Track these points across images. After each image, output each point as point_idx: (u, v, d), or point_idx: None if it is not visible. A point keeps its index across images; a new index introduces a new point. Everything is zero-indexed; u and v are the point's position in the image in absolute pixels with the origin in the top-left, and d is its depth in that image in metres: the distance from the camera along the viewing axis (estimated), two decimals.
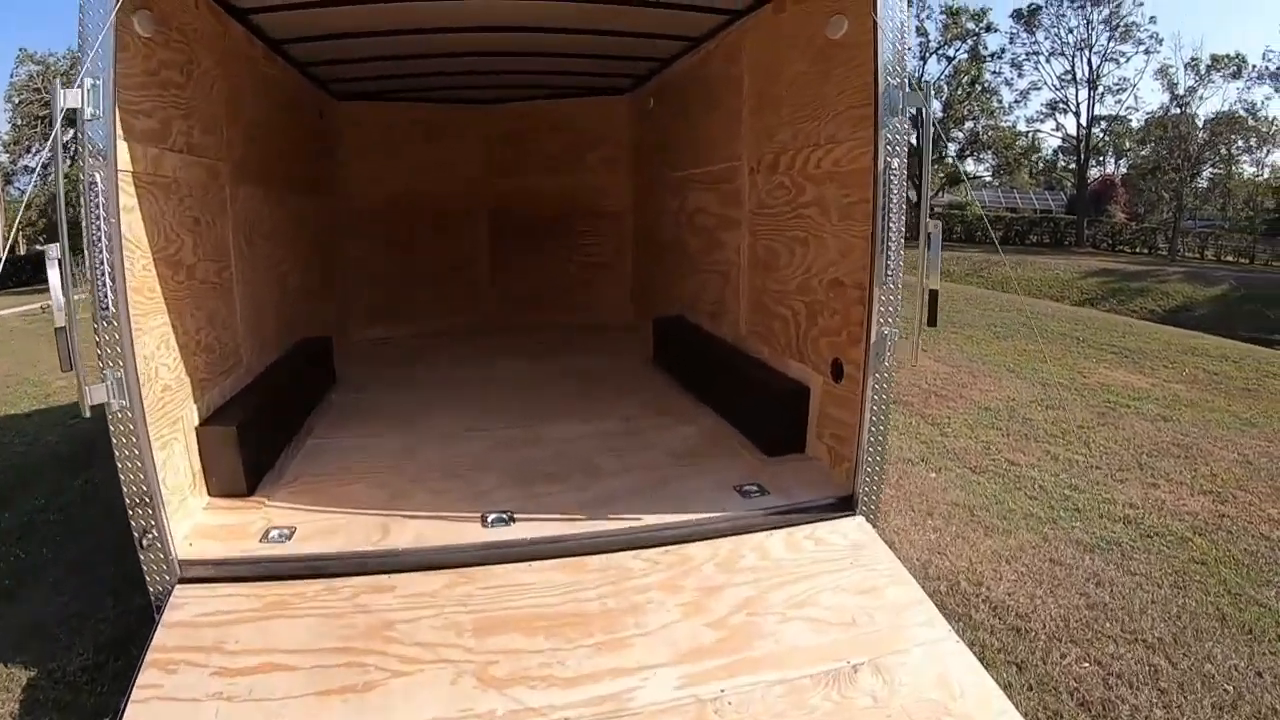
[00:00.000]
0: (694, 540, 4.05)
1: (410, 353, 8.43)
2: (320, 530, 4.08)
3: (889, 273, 4.01)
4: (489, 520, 4.17)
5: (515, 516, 4.21)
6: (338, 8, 5.27)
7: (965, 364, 12.08)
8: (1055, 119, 55.72)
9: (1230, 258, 45.46)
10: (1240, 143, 51.20)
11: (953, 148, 52.29)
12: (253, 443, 4.58)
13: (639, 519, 4.20)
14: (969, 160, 55.05)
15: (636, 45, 6.78)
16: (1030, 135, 58.00)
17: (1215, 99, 53.86)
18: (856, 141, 4.34)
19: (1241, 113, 50.21)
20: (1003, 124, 55.45)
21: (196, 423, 4.38)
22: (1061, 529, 6.05)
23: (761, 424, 5.22)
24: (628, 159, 9.35)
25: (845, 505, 4.36)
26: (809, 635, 3.50)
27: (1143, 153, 54.11)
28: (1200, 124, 49.98)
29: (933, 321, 3.96)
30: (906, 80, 3.88)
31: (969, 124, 54.37)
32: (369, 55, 6.79)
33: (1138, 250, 47.91)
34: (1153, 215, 52.48)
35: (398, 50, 6.64)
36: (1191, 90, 50.21)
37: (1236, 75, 49.38)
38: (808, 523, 4.22)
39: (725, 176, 6.36)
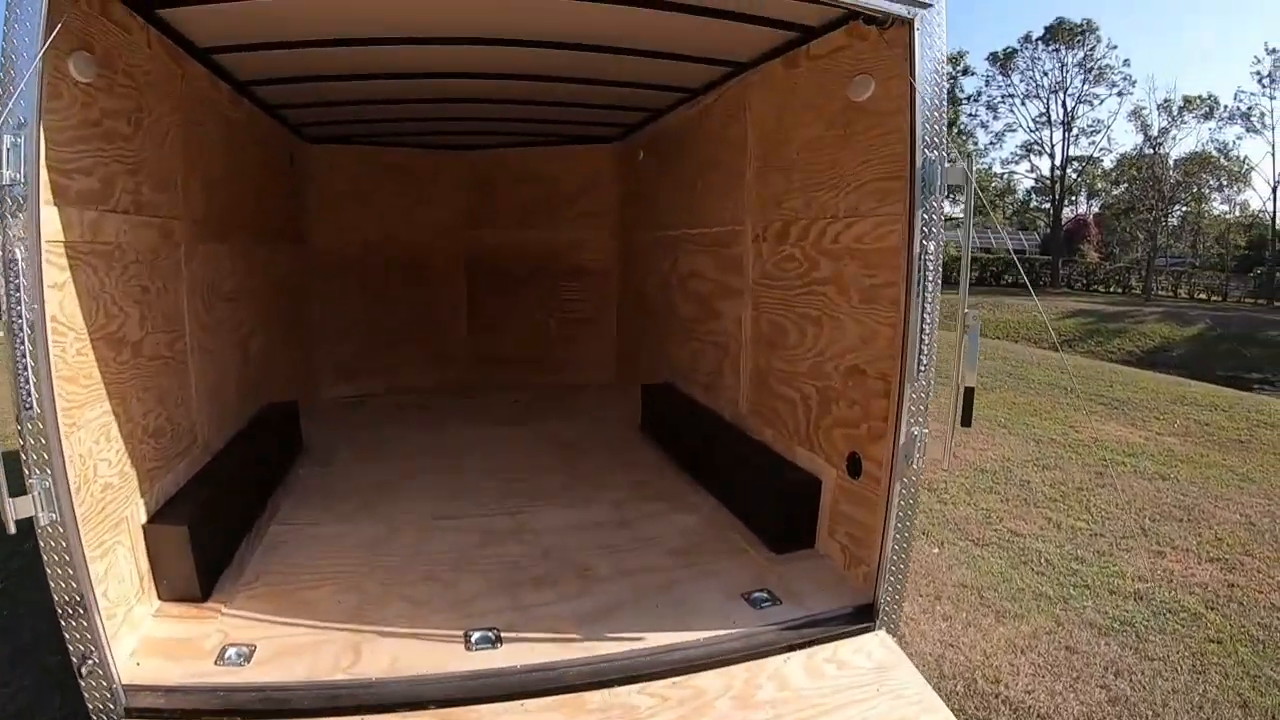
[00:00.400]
0: (705, 667, 3.55)
1: (382, 414, 7.91)
2: (283, 650, 3.53)
3: (922, 368, 3.59)
4: (473, 640, 3.64)
5: (502, 635, 3.68)
6: (308, 49, 4.78)
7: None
8: (1030, 160, 56.34)
9: (1203, 295, 46.04)
10: (1212, 181, 51.97)
11: None
12: (208, 539, 4.05)
13: (641, 638, 3.70)
14: (945, 202, 55.72)
15: (626, 95, 6.34)
16: (1005, 177, 58.48)
17: (1189, 139, 54.81)
18: (884, 217, 3.91)
19: (1214, 152, 51.16)
20: (979, 165, 55.46)
21: (144, 519, 3.83)
22: (1073, 610, 5.76)
23: (768, 518, 4.76)
24: (613, 212, 8.89)
25: (865, 616, 3.90)
26: None
27: (1115, 192, 54.70)
28: (1173, 164, 50.73)
29: (967, 421, 3.54)
30: (946, 152, 3.47)
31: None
32: (342, 98, 6.32)
33: (1111, 290, 48.21)
34: (1125, 254, 52.92)
35: (371, 94, 6.18)
36: (1164, 131, 50.99)
37: (1208, 116, 50.44)
38: (827, 639, 3.76)
39: (724, 241, 5.91)
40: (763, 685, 3.47)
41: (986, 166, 57.35)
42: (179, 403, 4.48)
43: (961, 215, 3.69)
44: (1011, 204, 62.93)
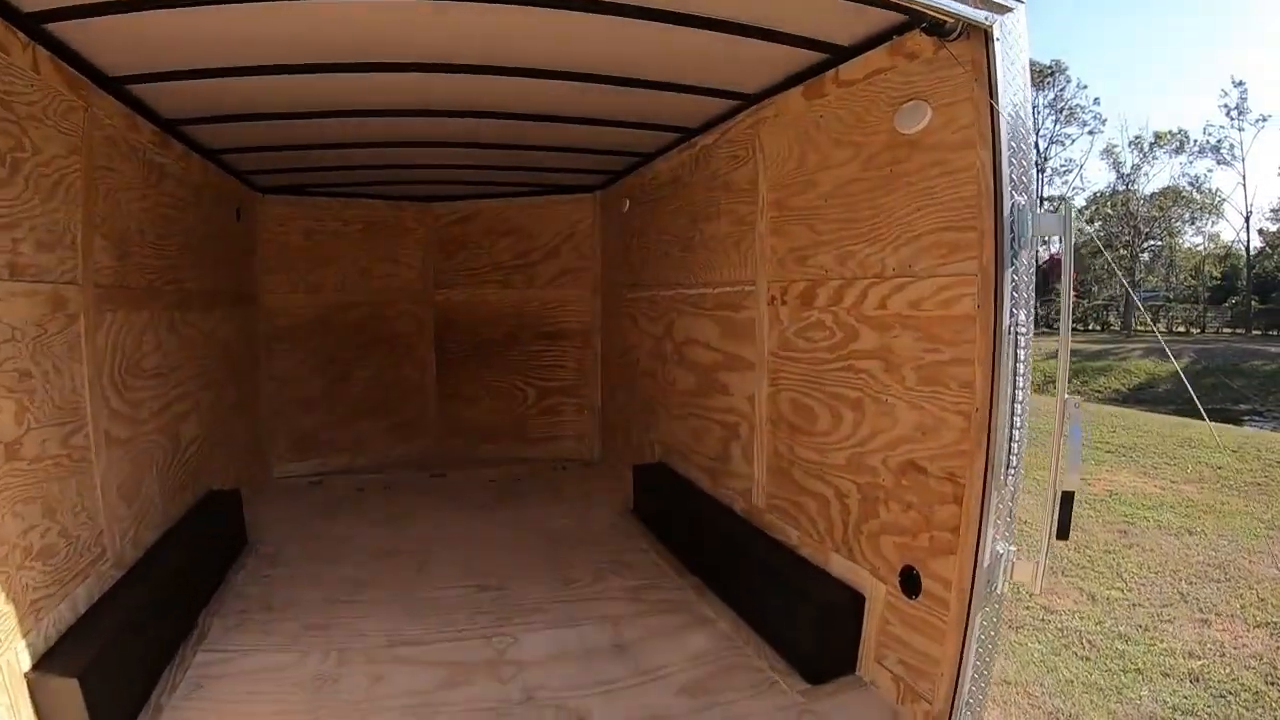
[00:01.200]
0: None
1: (341, 498, 6.96)
2: None
3: (1012, 469, 2.81)
4: None
5: None
6: (244, 78, 3.94)
7: None
8: None
9: (1182, 328, 46.08)
10: (1185, 214, 52.22)
11: None
12: (110, 689, 3.17)
13: None
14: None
15: (611, 136, 5.51)
16: None
17: (1163, 174, 55.43)
18: (950, 278, 3.12)
19: (1186, 186, 51.50)
20: None
21: (27, 667, 2.97)
22: (1130, 702, 5.28)
23: (800, 640, 3.90)
24: (596, 269, 8.04)
25: None
26: None
27: (1089, 230, 55.00)
28: (1145, 199, 51.04)
29: (1064, 534, 2.81)
30: (1036, 197, 2.72)
31: None
32: (291, 141, 5.44)
33: (1090, 327, 48.05)
34: (1102, 291, 53.03)
35: (325, 135, 5.31)
36: (1136, 168, 51.34)
37: (1179, 150, 50.87)
38: None
39: (731, 303, 5.07)
40: None
41: None
42: (77, 511, 3.61)
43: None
44: None
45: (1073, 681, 5.53)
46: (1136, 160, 51.96)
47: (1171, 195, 50.87)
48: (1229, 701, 5.15)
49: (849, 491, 3.87)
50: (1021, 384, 2.80)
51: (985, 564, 2.93)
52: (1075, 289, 55.22)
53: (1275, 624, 6.23)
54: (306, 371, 7.68)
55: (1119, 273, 48.10)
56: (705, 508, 5.33)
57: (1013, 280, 2.75)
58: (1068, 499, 2.79)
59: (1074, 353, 35.71)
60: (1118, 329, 46.69)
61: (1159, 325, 46.59)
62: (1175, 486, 10.56)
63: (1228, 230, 62.48)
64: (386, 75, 4.07)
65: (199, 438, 5.41)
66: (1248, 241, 50.98)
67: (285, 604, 4.63)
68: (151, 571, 4.08)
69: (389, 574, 5.17)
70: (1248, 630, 6.17)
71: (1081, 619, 6.55)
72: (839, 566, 3.98)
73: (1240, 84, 50.21)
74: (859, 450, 3.77)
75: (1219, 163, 50.93)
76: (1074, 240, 2.73)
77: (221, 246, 6.09)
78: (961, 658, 3.04)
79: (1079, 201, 55.25)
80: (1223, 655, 5.77)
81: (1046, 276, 55.72)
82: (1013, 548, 2.96)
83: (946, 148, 3.07)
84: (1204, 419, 17.67)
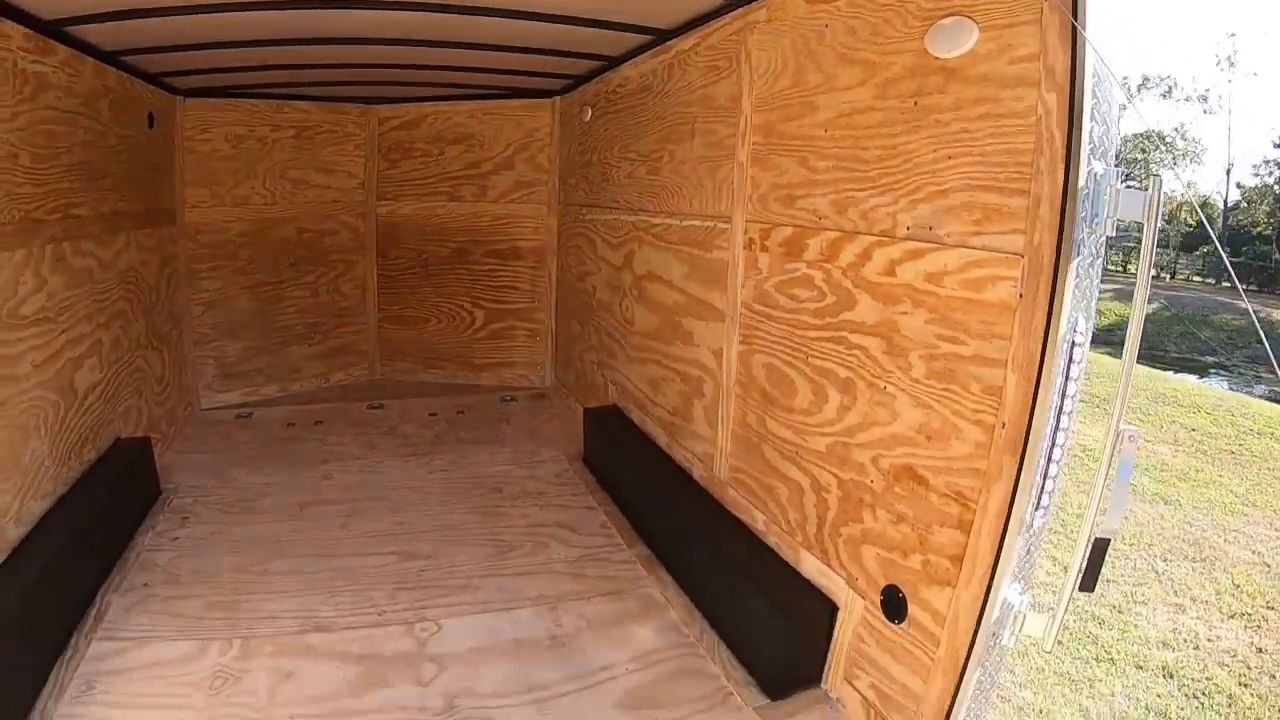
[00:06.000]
0: None
1: (266, 436, 6.30)
2: None
3: (1041, 509, 2.25)
4: None
5: None
6: None
7: None
8: None
9: (1153, 271, 46.06)
10: (1168, 159, 52.12)
11: None
12: None
13: None
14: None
15: (572, 35, 4.66)
16: None
17: (1145, 117, 55.91)
18: (983, 254, 2.41)
19: (1169, 131, 51.49)
20: None
21: None
22: (1102, 698, 5.17)
23: (761, 646, 3.36)
24: (552, 184, 7.29)
25: None
26: None
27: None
28: (1128, 140, 50.95)
29: (1089, 586, 2.23)
30: (1114, 166, 2.07)
31: None
32: (209, 38, 4.56)
33: None
34: None
35: (248, 30, 4.43)
36: (1123, 107, 50.98)
37: (1167, 95, 50.73)
38: None
39: (700, 240, 4.37)
40: None
41: None
42: None
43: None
44: None
45: (1044, 670, 5.33)
46: (1123, 100, 51.55)
47: (1155, 139, 50.70)
48: (1202, 705, 5.14)
49: (829, 484, 3.24)
50: (1069, 407, 2.18)
51: (994, 615, 2.36)
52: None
53: (1249, 615, 6.24)
54: (234, 294, 6.88)
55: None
56: (660, 467, 4.77)
57: (1076, 273, 2.09)
58: (1100, 546, 2.20)
59: None
60: None
61: (1130, 267, 46.59)
62: (1150, 446, 10.61)
63: (1206, 180, 63.29)
64: None
65: (100, 383, 4.72)
66: (1226, 193, 51.70)
67: (192, 576, 4.06)
68: (40, 548, 3.50)
69: (308, 533, 4.60)
70: (1222, 620, 6.18)
71: (1054, 594, 6.19)
72: (810, 567, 3.38)
73: (1233, 35, 50.09)
74: (844, 440, 3.13)
75: (1205, 112, 50.93)
76: (1158, 223, 2.07)
77: (126, 161, 5.24)
78: (951, 708, 2.51)
79: None
80: (1196, 649, 5.76)
81: None
82: (1027, 598, 2.41)
83: (996, 82, 2.33)
84: (1173, 370, 17.68)
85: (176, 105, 6.16)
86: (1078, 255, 2.09)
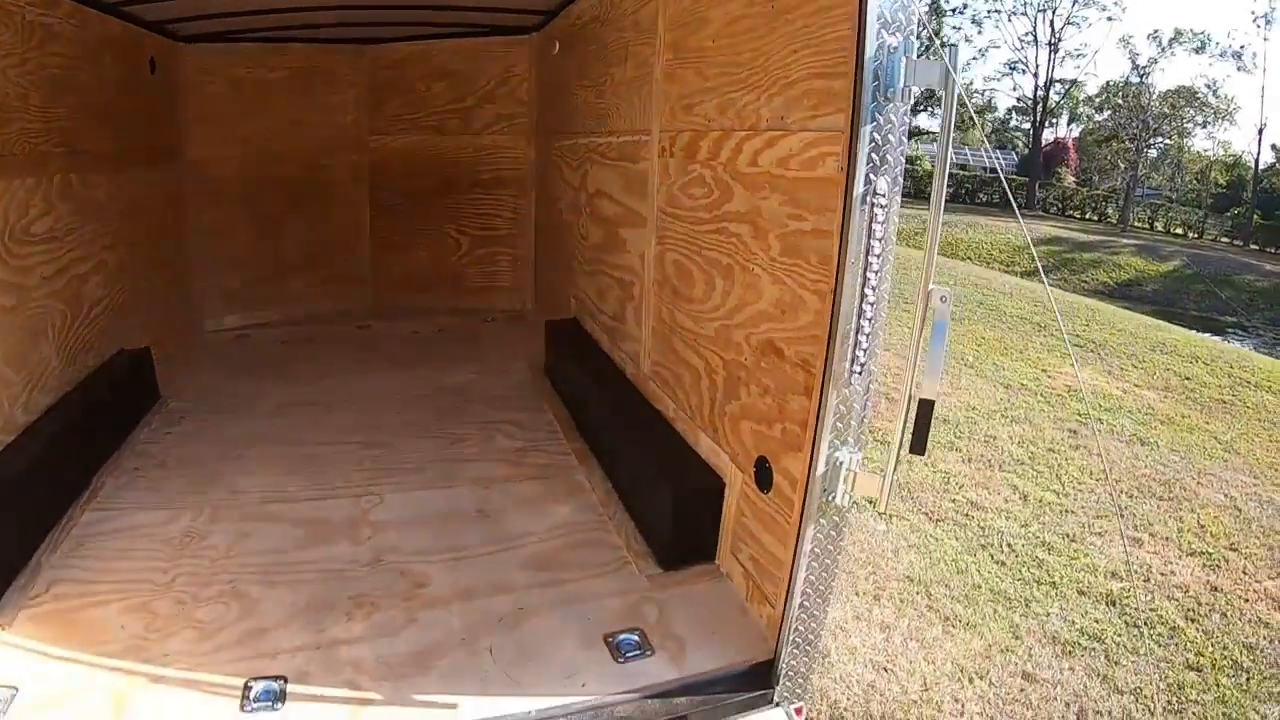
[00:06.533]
0: None
1: (260, 354, 6.78)
2: (44, 698, 2.65)
3: (858, 366, 2.48)
4: (252, 695, 2.69)
5: (288, 689, 2.73)
6: None
7: None
8: (1013, 79, 55.01)
9: (1180, 230, 45.29)
10: (1198, 117, 50.93)
11: None
12: None
13: (453, 705, 2.70)
14: (922, 114, 54.95)
15: None
16: (986, 94, 56.96)
17: (1176, 72, 54.48)
18: (817, 134, 2.68)
19: (1202, 88, 50.13)
20: (962, 76, 53.82)
21: None
22: (1036, 618, 5.10)
23: (657, 521, 3.70)
24: (530, 116, 7.63)
25: (761, 680, 2.89)
26: None
27: (1098, 119, 53.65)
28: (1158, 95, 49.59)
29: (919, 448, 2.44)
30: (914, 39, 2.31)
31: None
32: None
33: (1087, 216, 47.28)
34: (1104, 181, 52.10)
35: None
36: (1153, 61, 49.87)
37: (1199, 50, 49.58)
38: (703, 717, 2.77)
39: (630, 153, 4.68)
40: None
41: (969, 82, 55.16)
42: None
43: (938, 131, 2.41)
44: (992, 122, 61.41)
45: (981, 587, 5.38)
46: (1154, 54, 50.46)
47: (1185, 95, 49.39)
48: (1142, 633, 4.98)
49: (717, 367, 3.56)
50: (877, 266, 2.39)
51: (820, 470, 2.60)
52: (1075, 176, 54.47)
53: (1210, 555, 6.06)
54: (236, 226, 7.34)
55: (1121, 164, 47.28)
56: (603, 369, 5.14)
57: (873, 139, 2.32)
58: (924, 408, 2.40)
59: (1064, 241, 35.48)
60: (1114, 222, 45.94)
61: (1157, 224, 45.82)
62: (1138, 391, 10.40)
63: (1239, 139, 61.81)
64: None
65: (104, 299, 5.21)
66: (1258, 153, 50.26)
67: (178, 461, 4.58)
68: (44, 435, 3.98)
69: (285, 428, 5.10)
70: (1179, 557, 6.01)
71: (1008, 519, 6.39)
72: (706, 447, 3.73)
73: None
74: (727, 323, 3.44)
75: (1239, 69, 49.56)
76: (957, 92, 2.27)
77: (129, 104, 5.68)
78: (793, 568, 2.78)
79: (1091, 88, 53.84)
80: (1147, 580, 5.64)
81: (1050, 160, 55.08)
82: (857, 456, 2.62)
83: None
84: (1186, 327, 17.29)
85: (178, 51, 6.56)
86: (872, 122, 2.31)
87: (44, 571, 3.41)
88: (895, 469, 2.51)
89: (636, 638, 3.07)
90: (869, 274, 2.40)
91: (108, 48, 5.26)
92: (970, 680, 4.41)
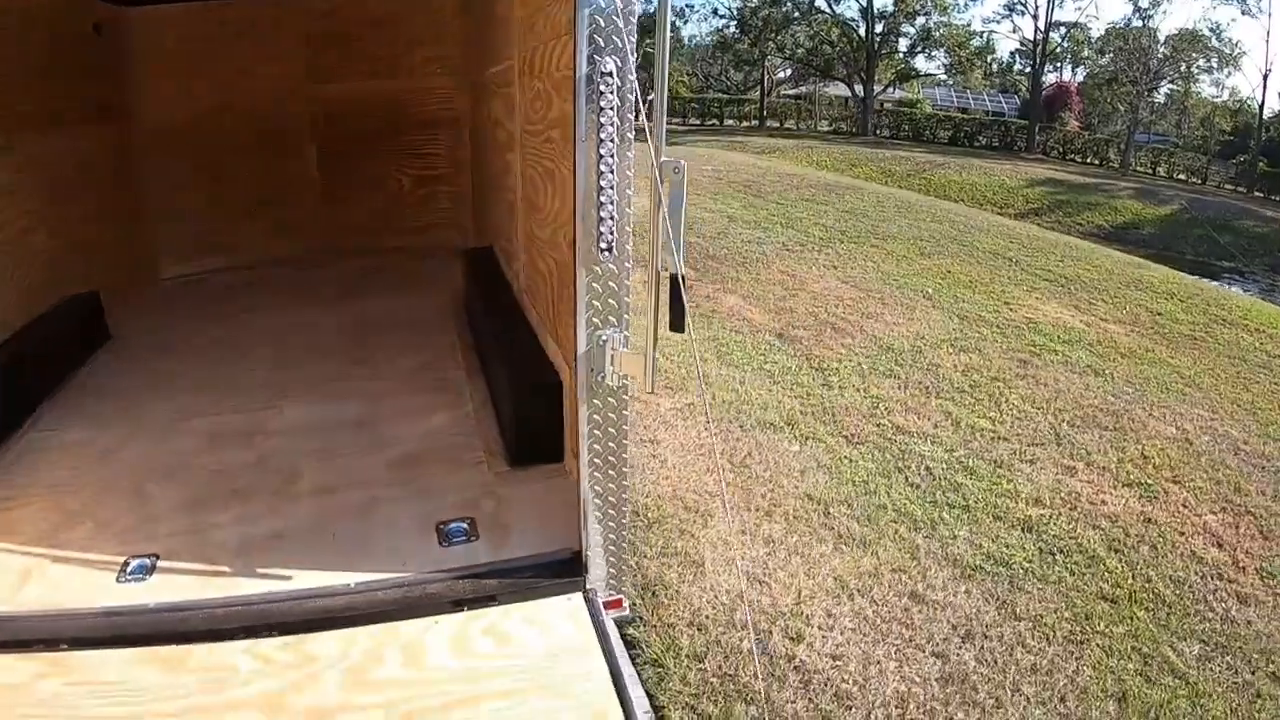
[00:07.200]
0: (336, 623, 2.80)
1: (205, 297, 7.15)
2: None
3: (604, 243, 2.59)
4: (128, 569, 3.10)
5: (158, 564, 3.12)
6: None
7: (877, 287, 10.80)
8: (1013, 20, 54.21)
9: (1183, 176, 44.62)
10: (1201, 62, 50.04)
11: (903, 43, 52.01)
12: None
13: (288, 578, 3.00)
14: (920, 57, 53.49)
15: None
16: (985, 35, 56.03)
17: (1179, 15, 53.18)
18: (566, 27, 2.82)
19: (1206, 32, 49.03)
20: (956, 21, 52.43)
21: None
22: (939, 540, 4.85)
23: (508, 420, 4.03)
24: (460, 56, 7.80)
25: (571, 568, 3.09)
26: None
27: (1101, 62, 52.81)
28: (1162, 39, 48.77)
29: (677, 326, 2.53)
30: None
31: (920, 20, 51.54)
32: None
33: (1088, 161, 46.71)
34: (1106, 126, 51.40)
35: None
36: (1155, 3, 48.92)
37: None
38: (510, 597, 2.98)
39: (505, 79, 4.87)
40: (387, 659, 2.70)
41: (966, 23, 54.06)
42: None
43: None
44: (994, 64, 60.50)
45: (886, 508, 5.15)
46: None
47: (1188, 38, 48.45)
48: (1055, 560, 4.70)
49: (552, 270, 3.77)
50: (608, 144, 2.48)
51: (582, 349, 2.75)
52: (1079, 120, 53.56)
53: (1148, 485, 5.69)
54: (190, 176, 7.59)
55: (1121, 108, 46.56)
56: (499, 290, 5.41)
57: (593, 21, 2.42)
58: (674, 283, 2.47)
59: (1061, 183, 34.89)
60: (1115, 166, 45.40)
61: (1159, 170, 45.15)
62: (1102, 324, 9.89)
63: (1244, 85, 60.35)
64: None
65: (47, 250, 5.60)
66: (1262, 99, 48.91)
67: (113, 393, 5.02)
68: None
69: (209, 363, 5.49)
70: (1114, 487, 5.65)
71: (932, 444, 6.12)
72: (551, 350, 3.97)
73: None
74: (555, 225, 3.62)
75: (1244, 13, 48.42)
76: None
77: (74, 66, 6.05)
78: (576, 451, 2.96)
79: (1094, 32, 52.92)
80: (1073, 509, 5.31)
81: (1051, 104, 54.25)
82: (620, 334, 2.75)
83: None
84: (1177, 269, 16.69)
85: (123, 15, 6.82)
86: (589, 5, 2.42)
87: None
88: (655, 347, 2.62)
89: (466, 525, 3.33)
90: (600, 151, 2.51)
91: (41, 15, 5.58)
92: (850, 597, 4.26)
